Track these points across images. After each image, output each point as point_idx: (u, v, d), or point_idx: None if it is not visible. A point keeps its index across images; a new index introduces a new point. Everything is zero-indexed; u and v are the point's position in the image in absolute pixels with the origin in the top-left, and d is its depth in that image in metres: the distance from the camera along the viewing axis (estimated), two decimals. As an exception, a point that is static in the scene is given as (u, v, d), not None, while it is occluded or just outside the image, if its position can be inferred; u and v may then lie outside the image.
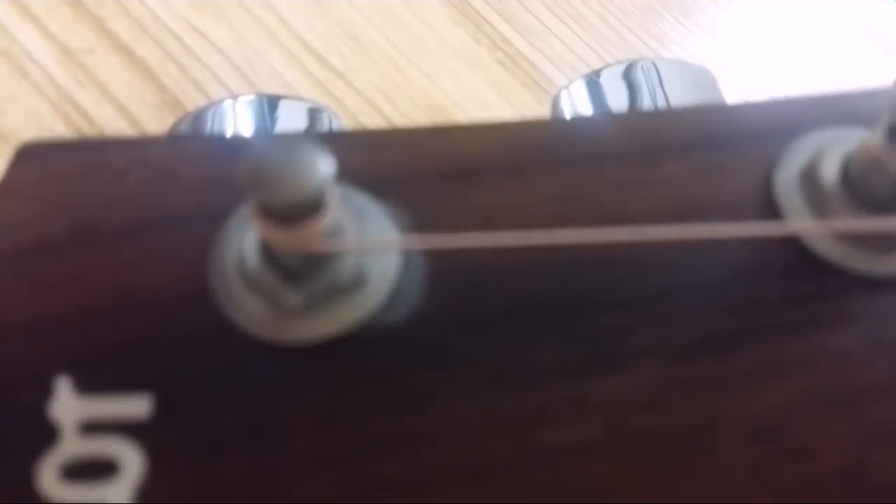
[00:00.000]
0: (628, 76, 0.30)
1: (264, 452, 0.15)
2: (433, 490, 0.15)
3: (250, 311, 0.16)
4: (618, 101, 0.30)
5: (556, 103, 0.29)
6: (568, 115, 0.29)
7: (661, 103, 0.28)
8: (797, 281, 0.17)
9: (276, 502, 0.14)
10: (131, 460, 0.15)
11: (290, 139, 0.14)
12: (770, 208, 0.18)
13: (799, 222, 0.17)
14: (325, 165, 0.14)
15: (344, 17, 0.42)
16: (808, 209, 0.18)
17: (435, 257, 0.17)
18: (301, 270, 0.16)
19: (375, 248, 0.17)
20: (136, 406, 0.15)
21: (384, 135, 0.19)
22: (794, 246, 0.17)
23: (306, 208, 0.14)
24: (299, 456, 0.15)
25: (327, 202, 0.15)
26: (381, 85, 0.40)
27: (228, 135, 0.25)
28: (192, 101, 0.37)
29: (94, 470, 0.15)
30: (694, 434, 0.15)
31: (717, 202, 0.18)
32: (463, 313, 0.17)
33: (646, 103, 0.29)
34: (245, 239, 0.17)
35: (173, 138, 0.20)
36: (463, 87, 0.41)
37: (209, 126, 0.26)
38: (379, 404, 0.15)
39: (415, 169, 0.18)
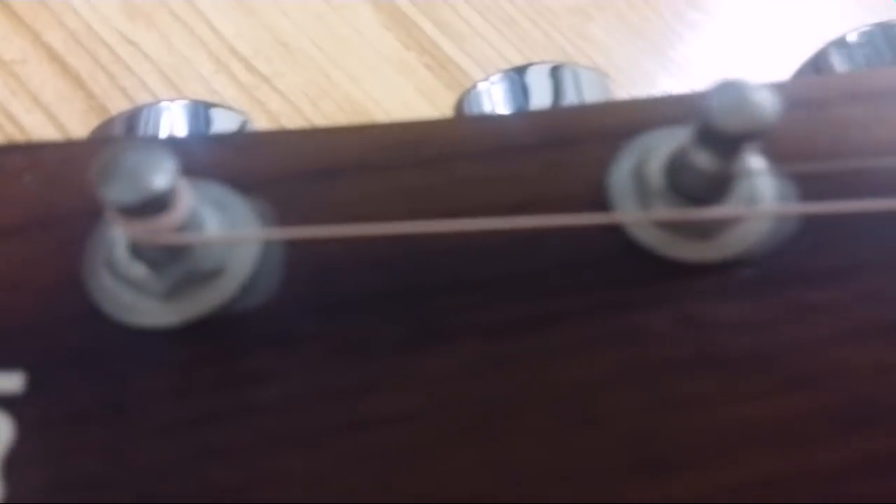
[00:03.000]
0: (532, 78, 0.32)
1: (120, 422, 0.17)
2: (268, 455, 0.16)
3: (117, 298, 0.18)
4: (540, 100, 0.31)
5: (466, 101, 0.31)
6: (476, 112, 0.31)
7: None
8: (618, 266, 0.19)
9: (128, 466, 0.16)
10: (2, 429, 0.17)
11: (142, 141, 0.16)
12: (604, 203, 0.20)
13: (623, 213, 0.19)
14: (165, 167, 0.16)
15: (274, 25, 0.44)
16: (636, 203, 0.19)
17: (292, 248, 0.19)
18: (163, 260, 0.18)
19: (225, 242, 0.18)
20: (10, 381, 0.17)
21: (257, 136, 0.21)
22: (620, 236, 0.19)
23: (151, 205, 0.16)
24: (150, 425, 0.17)
25: (174, 200, 0.17)
26: (306, 88, 0.42)
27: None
28: (119, 108, 0.39)
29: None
30: (504, 402, 0.17)
31: (556, 197, 0.20)
32: (311, 298, 0.18)
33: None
34: (115, 232, 0.18)
35: (67, 143, 0.22)
36: (388, 89, 0.43)
37: (137, 130, 0.28)
38: (225, 379, 0.17)
39: (282, 168, 0.20)
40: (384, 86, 0.43)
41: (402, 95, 0.43)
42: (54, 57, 0.40)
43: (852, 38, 0.30)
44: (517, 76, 0.26)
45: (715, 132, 0.17)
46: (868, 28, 0.30)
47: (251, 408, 0.17)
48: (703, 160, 0.18)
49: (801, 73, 0.30)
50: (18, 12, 0.41)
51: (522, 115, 0.23)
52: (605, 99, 0.27)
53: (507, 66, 0.47)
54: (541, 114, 0.22)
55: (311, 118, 0.41)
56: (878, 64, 0.29)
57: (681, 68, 0.48)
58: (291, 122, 0.41)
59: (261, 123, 0.41)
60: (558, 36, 0.47)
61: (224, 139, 0.22)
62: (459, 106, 0.27)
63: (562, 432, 0.17)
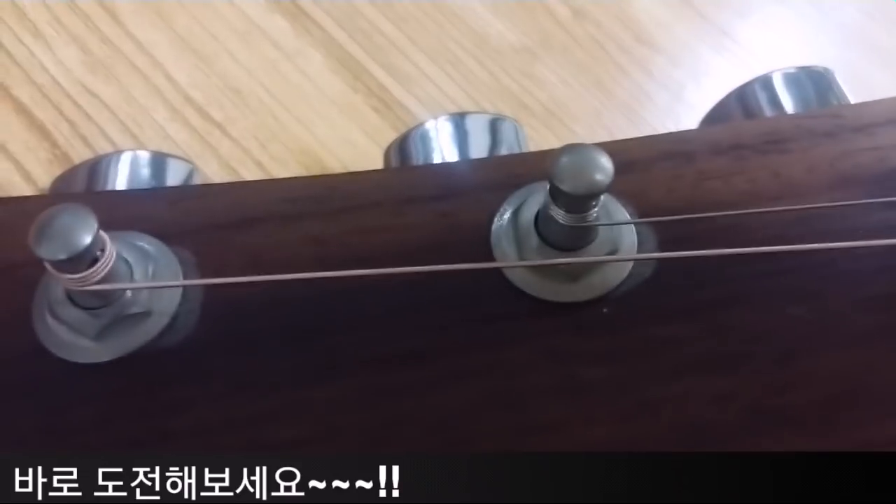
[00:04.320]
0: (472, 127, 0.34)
1: (55, 447, 0.19)
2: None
3: (58, 337, 0.21)
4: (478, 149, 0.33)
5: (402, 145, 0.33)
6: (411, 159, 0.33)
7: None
8: (495, 305, 0.22)
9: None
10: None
11: (71, 205, 0.19)
12: (488, 249, 0.22)
13: (502, 260, 0.22)
14: (89, 229, 0.19)
15: (227, 72, 0.47)
16: (513, 249, 0.22)
17: (210, 291, 0.22)
18: (96, 305, 0.21)
19: (146, 288, 0.21)
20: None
21: (185, 190, 0.24)
22: (499, 279, 0.22)
23: (77, 261, 0.19)
24: (80, 449, 0.19)
25: (99, 254, 0.19)
26: (256, 132, 0.45)
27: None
28: (80, 156, 0.42)
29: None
30: (389, 428, 0.20)
31: (446, 244, 0.23)
32: (223, 336, 0.21)
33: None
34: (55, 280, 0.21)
35: (22, 199, 0.25)
36: (335, 132, 0.45)
37: (93, 180, 0.31)
38: (147, 410, 0.20)
39: (206, 219, 0.23)
40: (331, 128, 0.46)
41: (349, 137, 0.45)
42: (21, 110, 0.44)
43: (756, 84, 0.32)
44: (428, 129, 0.29)
45: (559, 192, 0.20)
46: (772, 74, 0.32)
47: (169, 437, 0.20)
48: (558, 214, 0.21)
49: (708, 119, 0.32)
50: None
51: (419, 168, 0.26)
52: (518, 147, 0.30)
53: (452, 106, 0.50)
54: (435, 167, 0.25)
55: (260, 161, 0.44)
56: (777, 110, 0.31)
57: (626, 105, 0.50)
58: (241, 165, 0.44)
59: (212, 167, 0.44)
60: (504, 76, 0.49)
61: (155, 193, 0.25)
62: (386, 156, 0.30)
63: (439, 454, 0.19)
